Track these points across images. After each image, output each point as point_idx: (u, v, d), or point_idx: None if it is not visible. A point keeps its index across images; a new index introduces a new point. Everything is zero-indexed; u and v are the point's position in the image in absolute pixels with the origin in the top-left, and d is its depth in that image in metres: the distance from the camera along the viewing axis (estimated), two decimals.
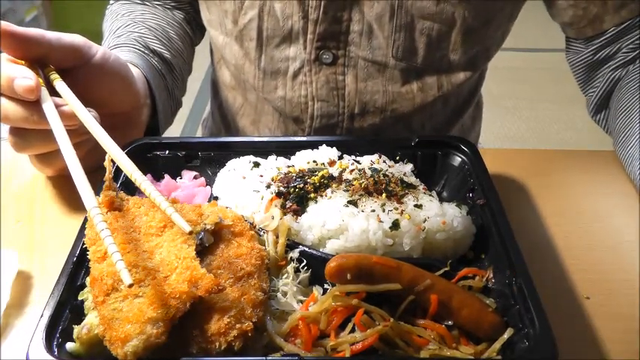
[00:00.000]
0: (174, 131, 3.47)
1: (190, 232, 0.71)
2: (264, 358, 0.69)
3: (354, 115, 1.24)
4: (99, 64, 0.97)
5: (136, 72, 1.10)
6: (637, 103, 1.11)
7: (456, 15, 1.13)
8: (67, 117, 0.87)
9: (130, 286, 0.63)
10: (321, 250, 0.84)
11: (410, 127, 1.30)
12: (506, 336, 0.73)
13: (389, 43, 1.15)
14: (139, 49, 1.21)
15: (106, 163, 0.83)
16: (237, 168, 0.97)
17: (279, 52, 1.21)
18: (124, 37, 1.24)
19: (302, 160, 0.98)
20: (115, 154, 0.80)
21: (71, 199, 1.05)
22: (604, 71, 1.24)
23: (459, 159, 1.00)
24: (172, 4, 1.41)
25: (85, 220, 0.82)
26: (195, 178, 1.02)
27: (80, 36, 0.95)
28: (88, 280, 0.74)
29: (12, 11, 3.79)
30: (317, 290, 0.81)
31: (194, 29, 1.46)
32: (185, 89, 1.41)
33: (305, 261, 0.83)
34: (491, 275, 0.82)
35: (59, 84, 0.91)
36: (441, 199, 0.96)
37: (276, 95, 1.25)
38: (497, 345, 0.73)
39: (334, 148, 1.00)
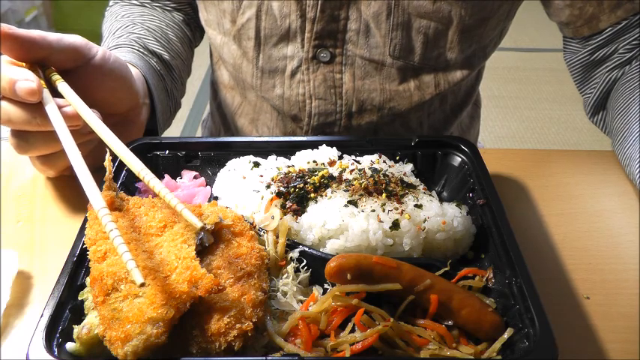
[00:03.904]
0: (174, 131, 3.49)
1: (202, 228, 0.71)
2: (264, 358, 0.69)
3: (351, 114, 1.24)
4: (99, 64, 0.97)
5: (134, 72, 1.10)
6: (634, 103, 1.12)
7: (452, 13, 1.13)
8: (71, 118, 0.87)
9: (142, 285, 0.63)
10: (321, 250, 0.84)
11: (408, 125, 1.30)
12: (506, 336, 0.73)
13: (386, 42, 1.16)
14: (138, 50, 1.21)
15: (106, 163, 0.83)
16: (237, 168, 0.97)
17: (276, 51, 1.21)
18: (124, 38, 1.24)
19: (302, 160, 0.98)
20: (121, 152, 0.80)
21: (71, 199, 1.06)
22: (601, 72, 1.25)
23: (459, 159, 1.01)
24: (172, 5, 1.41)
25: (85, 220, 0.82)
26: (195, 178, 1.02)
27: (80, 37, 0.95)
28: (88, 280, 0.74)
29: (12, 11, 3.78)
30: (317, 290, 0.81)
31: (193, 31, 1.46)
32: (184, 91, 1.41)
33: (305, 261, 0.83)
34: (491, 275, 0.82)
35: (61, 85, 0.91)
36: (441, 199, 0.96)
37: (274, 94, 1.25)
38: (497, 345, 0.73)
39: (334, 148, 1.01)
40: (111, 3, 1.42)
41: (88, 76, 0.96)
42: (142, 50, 1.22)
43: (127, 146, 0.98)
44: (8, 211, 1.04)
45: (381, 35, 1.15)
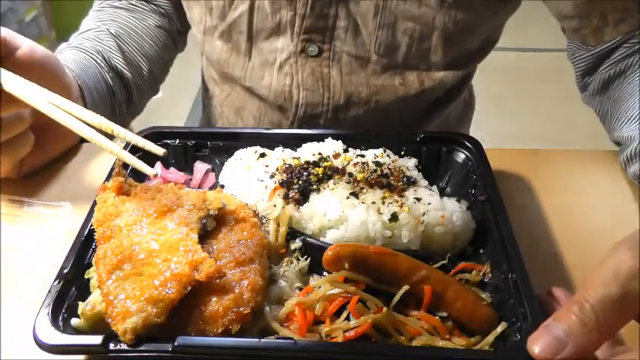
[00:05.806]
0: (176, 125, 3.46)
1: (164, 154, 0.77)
2: (258, 339, 0.71)
3: (338, 107, 1.26)
4: (25, 56, 0.96)
5: (69, 74, 1.10)
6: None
7: (436, 20, 1.16)
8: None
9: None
10: (320, 239, 0.86)
11: (388, 119, 1.31)
12: (499, 329, 0.74)
13: (371, 40, 1.19)
14: (95, 59, 1.22)
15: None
16: (244, 157, 0.98)
17: (267, 44, 1.23)
18: (89, 44, 1.25)
19: (308, 152, 0.99)
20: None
21: (81, 182, 1.07)
22: (604, 67, 1.24)
23: (463, 155, 1.01)
24: (159, 9, 1.40)
25: (94, 203, 0.84)
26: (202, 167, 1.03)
27: (5, 29, 0.95)
28: (94, 259, 0.76)
29: (12, 11, 3.66)
30: (315, 279, 0.82)
31: (176, 40, 1.45)
32: (142, 108, 1.41)
33: (305, 249, 0.85)
34: (489, 270, 0.83)
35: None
36: (445, 195, 0.98)
37: (262, 83, 1.27)
38: (490, 338, 0.74)
39: (339, 141, 1.02)
40: (96, 2, 1.41)
41: (13, 68, 0.93)
42: (99, 61, 1.23)
43: (139, 134, 1.00)
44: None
45: (367, 33, 1.18)
